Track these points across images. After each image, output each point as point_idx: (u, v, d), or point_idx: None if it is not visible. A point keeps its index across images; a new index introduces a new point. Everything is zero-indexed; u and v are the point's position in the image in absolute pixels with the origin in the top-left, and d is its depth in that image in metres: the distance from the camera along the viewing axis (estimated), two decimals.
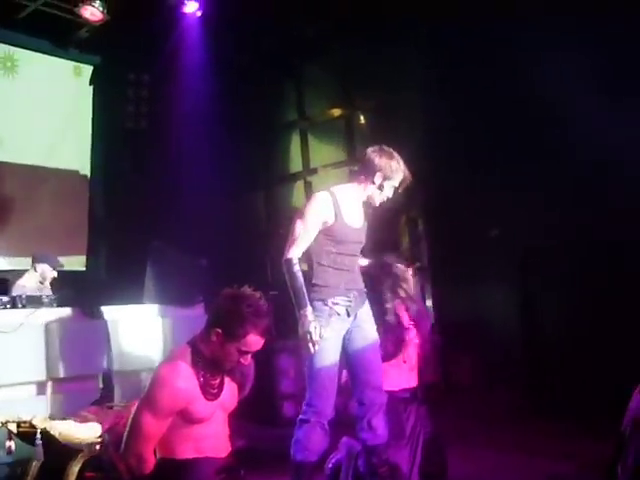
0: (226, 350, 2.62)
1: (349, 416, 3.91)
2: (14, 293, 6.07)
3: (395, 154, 3.66)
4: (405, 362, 3.85)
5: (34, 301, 5.13)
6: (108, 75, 8.23)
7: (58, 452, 3.98)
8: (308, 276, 3.48)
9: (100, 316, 5.10)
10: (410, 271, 4.01)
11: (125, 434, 2.65)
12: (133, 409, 4.24)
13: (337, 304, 3.46)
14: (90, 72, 8.21)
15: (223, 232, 7.63)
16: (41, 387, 4.67)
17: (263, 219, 8.56)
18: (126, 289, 6.09)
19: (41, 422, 3.94)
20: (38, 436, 3.88)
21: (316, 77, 8.18)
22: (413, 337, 3.90)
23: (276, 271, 8.13)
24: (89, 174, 8.15)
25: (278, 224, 8.43)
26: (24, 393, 4.56)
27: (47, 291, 6.26)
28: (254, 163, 8.42)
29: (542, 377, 6.01)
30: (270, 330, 2.68)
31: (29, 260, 7.37)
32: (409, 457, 3.79)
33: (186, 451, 2.59)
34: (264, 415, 5.84)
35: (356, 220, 3.63)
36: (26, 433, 3.99)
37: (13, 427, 4.03)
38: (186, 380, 2.56)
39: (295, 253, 3.46)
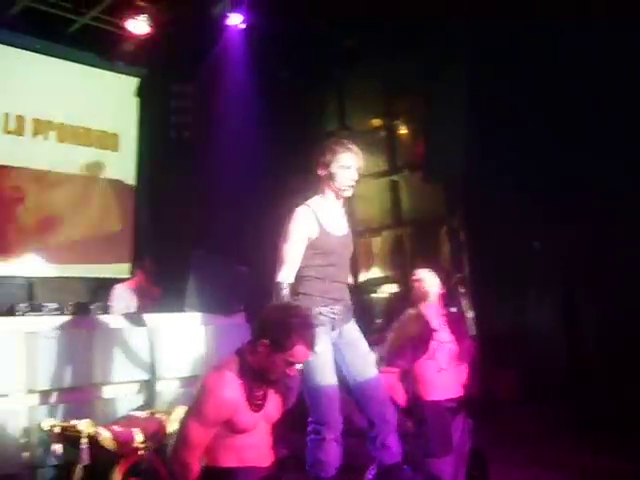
0: (273, 361, 2.64)
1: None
2: (115, 294, 6.31)
3: (330, 142, 3.63)
4: (442, 370, 3.83)
5: (81, 309, 5.26)
6: (153, 86, 8.39)
7: (102, 456, 4.06)
8: (293, 287, 3.39)
9: (143, 323, 5.19)
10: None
11: (172, 441, 2.70)
12: (174, 416, 4.34)
13: (320, 314, 3.36)
14: (136, 84, 8.37)
15: (264, 242, 7.68)
16: (85, 392, 4.77)
17: None
18: (169, 297, 6.19)
19: (86, 426, 4.03)
20: (83, 440, 3.97)
21: (357, 88, 8.21)
22: (447, 340, 3.88)
23: None
24: (134, 184, 8.31)
25: None
26: (68, 398, 4.65)
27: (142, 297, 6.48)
28: (295, 173, 8.46)
29: (587, 391, 5.89)
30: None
31: (77, 267, 7.59)
32: (453, 470, 3.76)
33: (229, 460, 2.62)
34: (302, 424, 5.84)
35: (338, 228, 3.58)
36: (71, 437, 4.09)
37: (60, 431, 4.14)
38: (232, 390, 2.60)
39: (285, 276, 3.36)
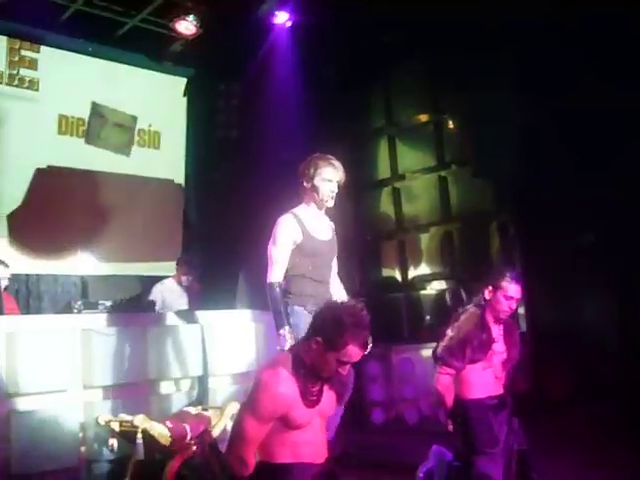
0: (325, 359, 2.64)
1: (439, 425, 3.89)
2: (154, 292, 6.36)
3: (314, 156, 3.94)
4: (489, 368, 3.78)
5: (134, 306, 5.36)
6: (200, 86, 8.49)
7: (156, 451, 4.14)
8: (285, 287, 3.77)
9: (196, 320, 5.26)
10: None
11: (228, 437, 2.73)
12: (226, 412, 4.39)
13: (311, 313, 3.53)
14: (184, 84, 8.49)
15: None
16: (139, 388, 4.86)
17: (351, 226, 8.57)
18: (219, 294, 6.26)
19: (141, 422, 4.11)
20: (139, 435, 4.06)
21: (404, 83, 8.16)
22: (501, 351, 3.83)
23: (364, 277, 8.21)
24: (183, 183, 8.43)
25: (366, 231, 8.46)
26: (123, 394, 4.75)
27: (182, 293, 6.49)
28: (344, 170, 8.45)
29: None
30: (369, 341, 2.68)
31: (129, 265, 7.73)
32: (503, 469, 3.71)
33: (284, 455, 2.63)
34: (353, 421, 5.85)
35: (323, 234, 3.94)
36: (127, 432, 4.19)
37: (116, 426, 4.24)
38: (287, 386, 2.61)
39: (275, 277, 3.75)
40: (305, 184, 3.90)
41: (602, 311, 6.30)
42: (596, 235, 6.34)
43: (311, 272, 3.80)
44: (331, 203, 3.93)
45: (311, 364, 2.66)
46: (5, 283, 5.76)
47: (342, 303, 2.70)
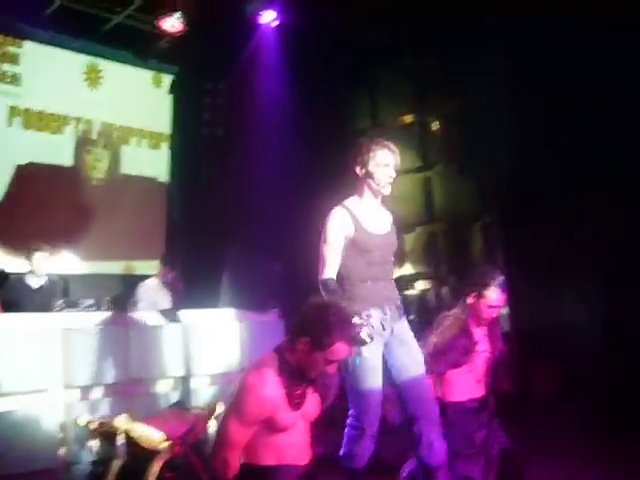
0: (313, 359, 2.61)
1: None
2: (139, 291, 6.28)
3: (365, 141, 3.62)
4: (472, 372, 3.78)
5: (116, 305, 5.30)
6: (186, 84, 8.47)
7: (138, 452, 4.09)
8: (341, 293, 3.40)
9: (177, 319, 5.22)
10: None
11: (208, 437, 2.71)
12: (209, 412, 4.35)
13: (370, 316, 3.33)
14: (169, 81, 8.44)
15: (298, 238, 7.69)
16: (121, 388, 4.81)
17: None
18: (202, 293, 6.21)
19: (122, 423, 4.06)
20: (120, 436, 4.01)
21: (389, 84, 8.17)
22: (483, 349, 3.82)
23: None
24: (167, 181, 8.37)
25: None
26: (104, 394, 4.70)
27: (167, 292, 6.38)
28: (328, 169, 8.43)
29: (626, 390, 5.78)
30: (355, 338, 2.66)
31: (111, 264, 7.66)
32: (483, 469, 3.71)
33: (268, 458, 2.61)
34: (335, 421, 5.83)
35: (379, 227, 3.57)
36: (108, 433, 4.13)
37: (95, 427, 4.18)
38: (272, 388, 2.58)
39: (328, 273, 3.41)
40: (358, 171, 3.53)
41: (586, 311, 6.34)
42: (580, 234, 6.36)
43: (368, 271, 3.48)
44: (388, 190, 3.56)
45: (297, 365, 2.63)
46: None
47: (325, 301, 2.67)
